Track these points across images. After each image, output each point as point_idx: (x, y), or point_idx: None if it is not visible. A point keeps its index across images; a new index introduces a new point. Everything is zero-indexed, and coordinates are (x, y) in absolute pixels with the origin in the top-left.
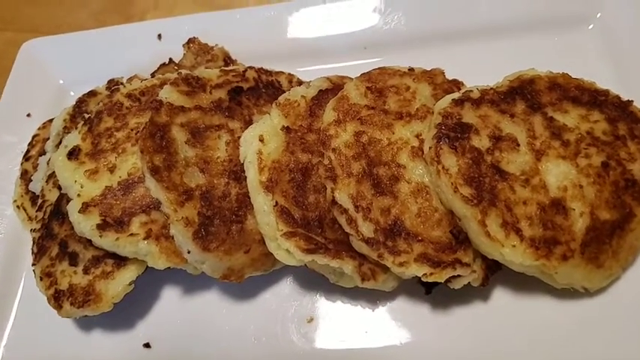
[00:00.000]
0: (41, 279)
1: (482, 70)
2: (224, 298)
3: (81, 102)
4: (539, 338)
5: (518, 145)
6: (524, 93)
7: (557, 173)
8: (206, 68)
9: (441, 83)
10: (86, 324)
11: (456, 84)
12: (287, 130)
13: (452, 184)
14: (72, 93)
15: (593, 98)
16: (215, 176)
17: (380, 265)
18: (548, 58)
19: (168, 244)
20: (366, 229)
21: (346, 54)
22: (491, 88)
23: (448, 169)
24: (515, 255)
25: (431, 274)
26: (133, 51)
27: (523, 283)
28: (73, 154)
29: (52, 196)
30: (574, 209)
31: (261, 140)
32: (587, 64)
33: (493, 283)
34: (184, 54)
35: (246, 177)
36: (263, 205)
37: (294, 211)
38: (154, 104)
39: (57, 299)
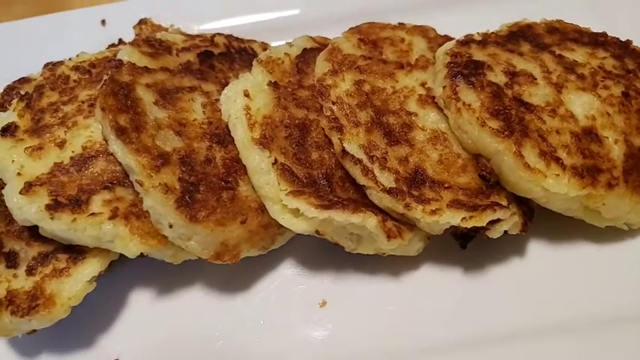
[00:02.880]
0: None
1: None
2: (211, 292)
3: (11, 89)
4: (582, 289)
5: (535, 79)
6: (525, 36)
7: (581, 104)
8: None
9: (434, 37)
10: (32, 345)
11: (449, 39)
12: (274, 85)
13: (477, 118)
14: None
15: (593, 39)
16: (194, 139)
17: (404, 223)
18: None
19: (140, 224)
20: (386, 179)
21: (319, 28)
22: (492, 33)
23: (470, 104)
24: (559, 185)
25: (470, 217)
26: (75, 39)
27: (559, 233)
28: (7, 130)
29: None
30: (607, 137)
31: (247, 95)
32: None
33: (526, 238)
34: (135, 36)
35: (232, 140)
36: (260, 162)
37: (297, 170)
38: (114, 63)
39: None
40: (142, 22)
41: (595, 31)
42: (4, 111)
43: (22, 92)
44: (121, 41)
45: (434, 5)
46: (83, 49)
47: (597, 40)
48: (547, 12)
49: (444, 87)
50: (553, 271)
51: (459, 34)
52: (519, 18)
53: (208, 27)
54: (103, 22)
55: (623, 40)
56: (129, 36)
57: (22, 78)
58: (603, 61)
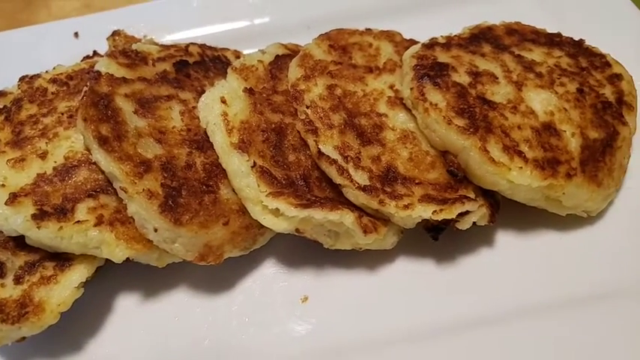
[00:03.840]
0: None
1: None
2: (196, 293)
3: None
4: (547, 274)
5: (497, 78)
6: (486, 38)
7: (540, 100)
8: None
9: (400, 41)
10: (21, 353)
11: (415, 43)
12: (250, 92)
13: (444, 117)
14: None
15: (549, 40)
16: (174, 146)
17: (379, 218)
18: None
19: (125, 230)
20: (360, 177)
21: (288, 35)
22: (455, 35)
23: (436, 104)
24: (523, 177)
25: (441, 210)
26: (47, 52)
27: (523, 222)
28: None
29: None
30: (565, 131)
31: (224, 102)
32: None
33: (494, 229)
34: (109, 47)
35: (210, 145)
36: (240, 166)
37: (276, 171)
38: (92, 75)
39: None
40: (116, 33)
41: (550, 31)
42: None
43: (0, 106)
44: (95, 53)
45: (398, 10)
46: (57, 61)
47: (553, 40)
48: (505, 14)
49: (411, 88)
50: (519, 257)
51: (423, 38)
52: (480, 21)
53: (180, 37)
54: (76, 34)
55: (577, 39)
56: (102, 48)
57: None
58: (559, 60)
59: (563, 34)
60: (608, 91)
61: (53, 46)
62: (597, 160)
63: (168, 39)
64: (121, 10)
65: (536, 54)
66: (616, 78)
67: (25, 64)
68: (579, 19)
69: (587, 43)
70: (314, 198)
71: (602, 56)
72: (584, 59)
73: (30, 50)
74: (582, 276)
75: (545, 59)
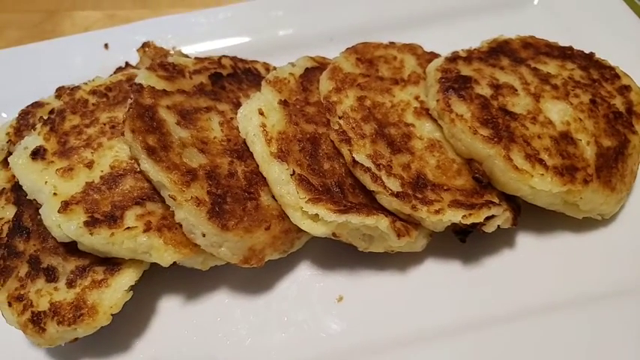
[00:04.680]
0: (10, 304)
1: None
2: (236, 294)
3: (26, 113)
4: (566, 273)
5: (516, 90)
6: (503, 51)
7: (557, 111)
8: None
9: (422, 54)
10: (71, 355)
11: (435, 56)
12: (284, 104)
13: (470, 127)
14: (4, 115)
15: (562, 53)
16: (217, 156)
17: (410, 222)
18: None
19: (172, 235)
20: (393, 184)
21: (312, 46)
22: (475, 49)
23: (462, 115)
24: (544, 183)
25: (470, 214)
26: (78, 63)
27: (542, 225)
28: (37, 154)
29: (6, 213)
30: (580, 140)
31: (262, 114)
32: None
33: (515, 231)
34: (140, 58)
35: (250, 155)
36: (280, 174)
37: (313, 179)
38: (135, 88)
39: (36, 323)
40: (145, 45)
41: (562, 45)
42: (20, 135)
43: (37, 116)
44: (128, 65)
45: (414, 22)
46: (87, 72)
47: (565, 54)
48: (515, 26)
49: (437, 100)
50: (539, 257)
51: (440, 50)
52: (490, 32)
53: (205, 48)
54: (106, 45)
55: (587, 52)
56: (132, 59)
57: (36, 102)
58: (572, 72)
59: (575, 48)
60: (618, 102)
61: (83, 58)
62: (611, 166)
63: (194, 50)
64: (148, 22)
65: (551, 67)
66: (625, 89)
67: (57, 75)
68: (588, 33)
69: (597, 56)
70: (350, 204)
71: (612, 69)
72: (595, 71)
73: (61, 61)
74: (598, 275)
75: (560, 72)
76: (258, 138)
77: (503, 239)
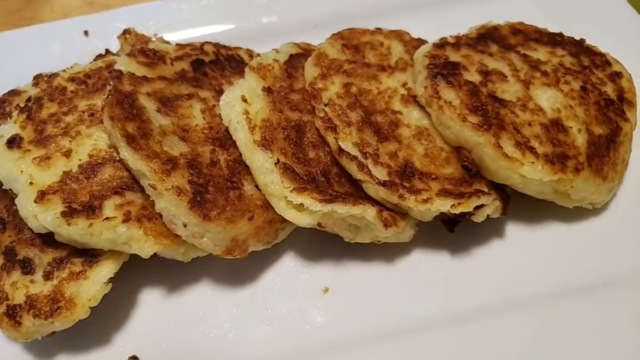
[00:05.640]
0: None
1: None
2: (218, 287)
3: (2, 102)
4: (555, 263)
5: (506, 77)
6: (492, 37)
7: (547, 98)
8: None
9: (409, 40)
10: (49, 351)
11: (423, 42)
12: (268, 90)
13: (459, 115)
14: None
15: (551, 39)
16: (198, 144)
17: (397, 212)
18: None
19: (152, 226)
20: (379, 173)
21: (297, 33)
22: (464, 35)
23: (450, 102)
24: (534, 171)
25: (459, 203)
26: (57, 50)
27: (532, 215)
28: (13, 142)
29: None
30: (571, 127)
31: (245, 101)
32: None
33: (505, 221)
34: (121, 45)
35: (233, 143)
36: (264, 163)
37: (298, 168)
38: (114, 74)
39: (12, 316)
40: (126, 32)
41: (551, 31)
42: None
43: (14, 104)
44: (108, 52)
45: (400, 9)
46: (67, 59)
47: (555, 40)
48: (503, 13)
49: (425, 87)
50: (529, 248)
51: (428, 37)
52: (479, 19)
53: (188, 35)
54: (86, 32)
55: (577, 39)
56: (112, 46)
57: (12, 90)
58: (562, 59)
59: (565, 34)
60: (609, 89)
61: (63, 45)
62: (602, 154)
63: (176, 38)
64: (129, 9)
65: (540, 53)
66: (616, 76)
67: (35, 63)
68: (576, 19)
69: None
70: (336, 193)
71: (602, 55)
72: (585, 58)
73: (40, 48)
74: (589, 265)
75: (550, 58)
76: (241, 125)
77: (492, 229)
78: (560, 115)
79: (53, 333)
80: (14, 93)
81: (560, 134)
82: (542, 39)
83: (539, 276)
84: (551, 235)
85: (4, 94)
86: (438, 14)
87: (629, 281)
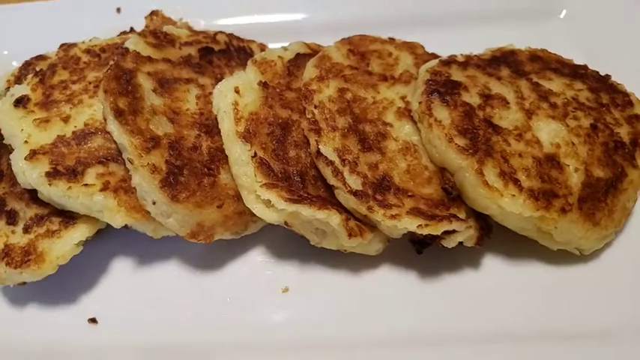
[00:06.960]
0: None
1: None
2: (185, 268)
3: (28, 64)
4: (530, 304)
5: (508, 103)
6: (507, 61)
7: (548, 131)
8: None
9: (421, 54)
10: (19, 299)
11: (436, 57)
12: (264, 85)
13: (446, 135)
14: (14, 63)
15: (573, 71)
16: (185, 127)
17: (367, 224)
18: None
19: (127, 199)
20: (354, 182)
21: (320, 34)
22: (475, 55)
23: (441, 121)
24: (514, 205)
25: (426, 225)
26: (89, 24)
27: (514, 250)
28: (20, 102)
29: None
30: (568, 165)
31: (237, 92)
32: (558, 52)
33: (482, 251)
34: (146, 25)
35: (219, 131)
36: (241, 154)
37: (274, 164)
38: (120, 51)
39: None
40: (154, 13)
41: (577, 63)
42: (19, 84)
43: (38, 69)
44: (132, 30)
45: (429, 23)
46: (96, 34)
47: (577, 72)
48: (536, 38)
49: (420, 102)
50: (503, 284)
51: (447, 53)
52: (507, 43)
53: (214, 24)
54: (118, 9)
55: (603, 74)
56: (141, 25)
57: (39, 55)
58: (578, 93)
59: (590, 68)
60: (623, 131)
61: (94, 19)
62: (598, 199)
63: (202, 24)
64: None
65: (555, 84)
66: (635, 119)
67: (66, 33)
68: (610, 54)
69: (614, 79)
70: (306, 195)
71: (626, 94)
72: (605, 95)
73: (72, 20)
74: (563, 313)
75: (564, 90)
76: (227, 115)
77: (467, 257)
78: (558, 151)
79: (24, 283)
80: (41, 57)
81: (553, 170)
82: (562, 69)
83: (507, 315)
84: (529, 275)
85: (31, 58)
86: (470, 32)
87: (609, 339)
